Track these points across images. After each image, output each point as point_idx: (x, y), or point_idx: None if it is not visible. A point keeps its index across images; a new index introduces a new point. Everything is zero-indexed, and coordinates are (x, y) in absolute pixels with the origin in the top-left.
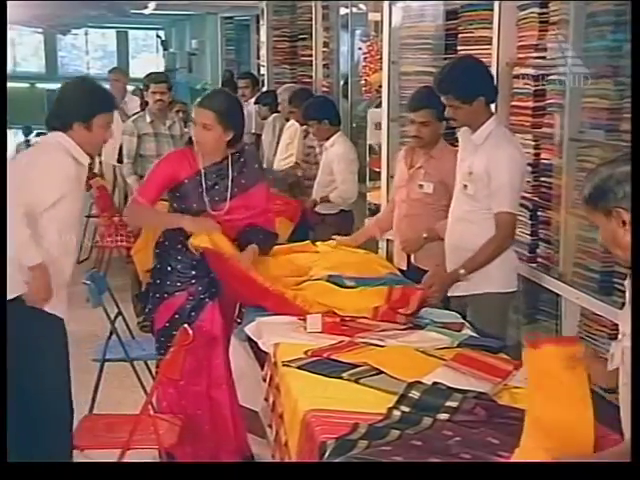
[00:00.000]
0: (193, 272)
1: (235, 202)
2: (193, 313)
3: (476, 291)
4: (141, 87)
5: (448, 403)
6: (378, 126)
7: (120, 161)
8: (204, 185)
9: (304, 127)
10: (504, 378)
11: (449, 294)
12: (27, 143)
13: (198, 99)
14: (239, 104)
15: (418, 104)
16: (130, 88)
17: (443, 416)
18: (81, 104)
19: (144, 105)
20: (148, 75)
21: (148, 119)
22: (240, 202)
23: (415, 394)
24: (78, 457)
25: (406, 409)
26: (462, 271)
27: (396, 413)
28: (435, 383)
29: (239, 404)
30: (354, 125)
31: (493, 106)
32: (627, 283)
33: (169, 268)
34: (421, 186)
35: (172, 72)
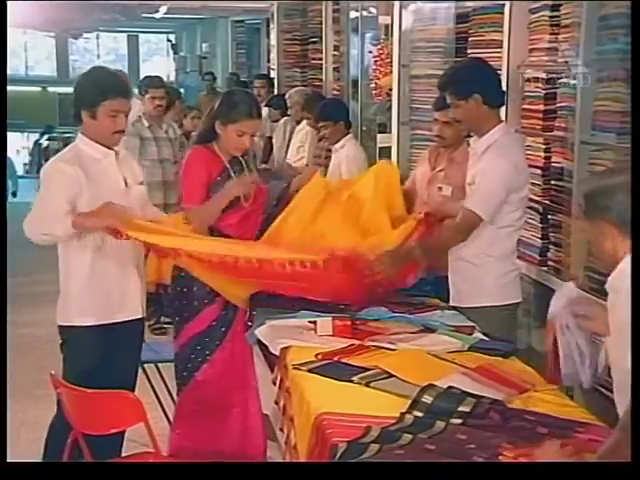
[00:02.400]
0: None
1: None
2: (229, 319)
3: (476, 304)
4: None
5: (461, 408)
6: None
7: None
8: (234, 178)
9: (318, 132)
10: (521, 392)
11: (451, 303)
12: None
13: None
14: None
15: (442, 103)
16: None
17: (456, 420)
18: (86, 92)
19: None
20: (145, 79)
21: (146, 124)
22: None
23: (428, 399)
24: None
25: (419, 414)
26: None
27: (409, 417)
28: (448, 387)
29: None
30: (364, 128)
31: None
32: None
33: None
34: (440, 188)
35: (187, 74)
